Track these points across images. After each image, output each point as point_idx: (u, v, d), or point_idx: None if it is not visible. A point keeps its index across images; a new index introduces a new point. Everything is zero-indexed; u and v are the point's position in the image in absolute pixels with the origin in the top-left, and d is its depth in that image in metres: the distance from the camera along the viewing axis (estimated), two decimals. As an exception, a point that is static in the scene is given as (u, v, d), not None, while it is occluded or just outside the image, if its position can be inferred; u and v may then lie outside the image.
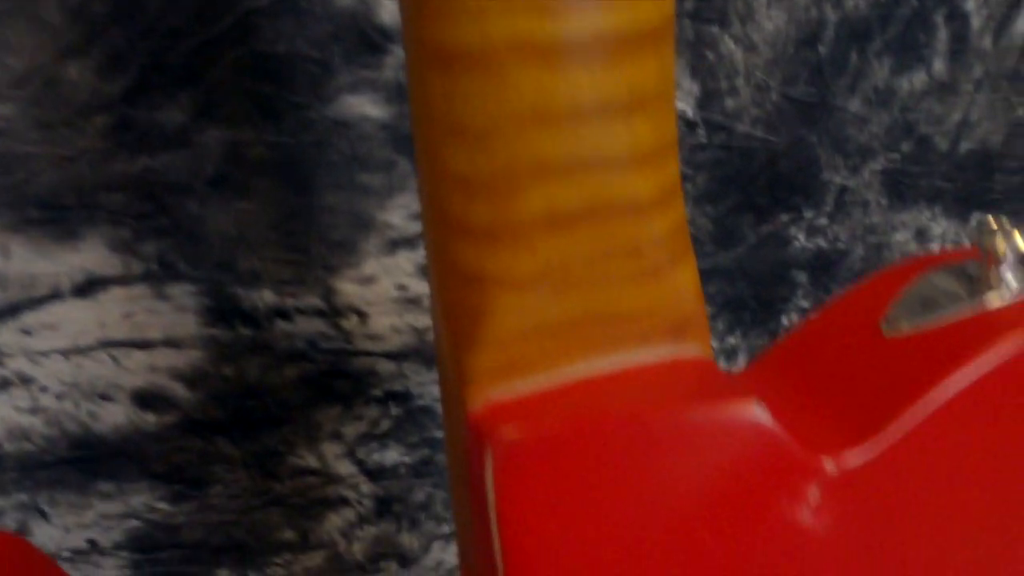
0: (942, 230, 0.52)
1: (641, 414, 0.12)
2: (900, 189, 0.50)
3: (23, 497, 0.42)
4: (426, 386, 0.46)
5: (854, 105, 0.47)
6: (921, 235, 0.52)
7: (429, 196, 0.13)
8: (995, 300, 0.14)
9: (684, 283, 0.13)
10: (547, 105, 0.12)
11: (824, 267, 0.50)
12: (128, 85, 0.33)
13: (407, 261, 0.41)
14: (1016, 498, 0.13)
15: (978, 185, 0.51)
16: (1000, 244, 0.14)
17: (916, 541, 0.14)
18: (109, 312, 0.38)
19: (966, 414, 0.13)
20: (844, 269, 0.51)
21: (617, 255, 0.12)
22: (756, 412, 0.12)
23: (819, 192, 0.48)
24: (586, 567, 0.12)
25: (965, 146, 0.50)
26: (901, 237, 0.52)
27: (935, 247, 0.53)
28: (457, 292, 0.12)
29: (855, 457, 0.13)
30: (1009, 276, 0.14)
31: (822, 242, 0.49)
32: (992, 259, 0.14)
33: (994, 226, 0.14)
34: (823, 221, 0.49)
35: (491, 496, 0.12)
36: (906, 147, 0.49)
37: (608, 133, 0.12)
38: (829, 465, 0.13)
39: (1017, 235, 0.14)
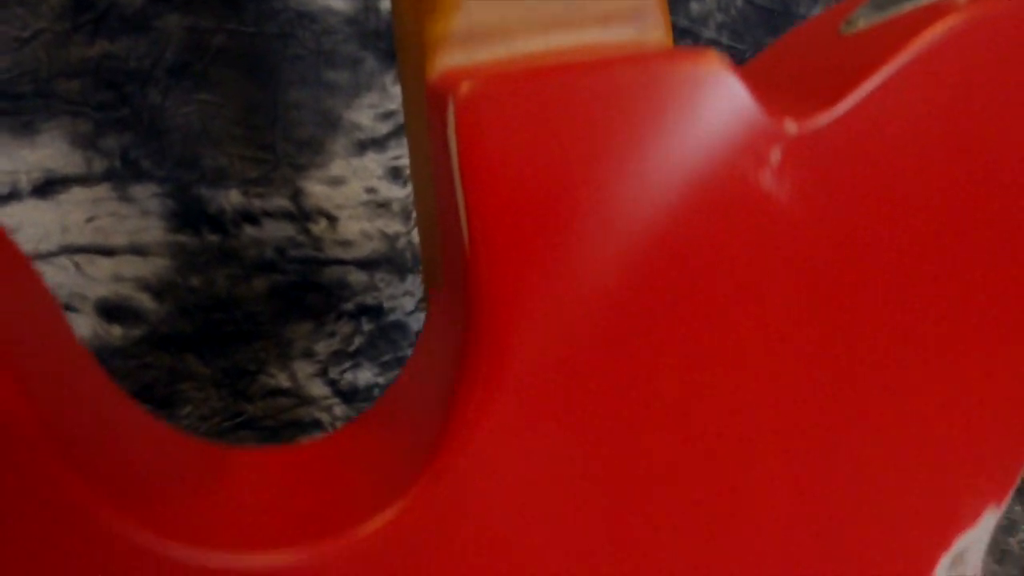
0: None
1: (606, 65, 0.12)
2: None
3: (-15, 416, 0.41)
4: (398, 299, 0.45)
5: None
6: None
7: None
8: (949, -5, 0.14)
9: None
10: None
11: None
12: (85, -36, 0.33)
13: (376, 163, 0.40)
14: (968, 180, 0.13)
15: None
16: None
17: (878, 218, 0.14)
18: (71, 215, 0.37)
19: (917, 85, 0.13)
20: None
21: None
22: (720, 65, 0.12)
23: (784, 104, 0.49)
24: (548, 211, 0.12)
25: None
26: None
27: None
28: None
29: (814, 121, 0.13)
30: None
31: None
32: (946, -39, 0.14)
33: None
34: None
35: (453, 153, 0.12)
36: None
37: None
38: (790, 126, 0.13)
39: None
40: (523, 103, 0.12)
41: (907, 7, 0.14)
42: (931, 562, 0.19)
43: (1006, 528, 0.62)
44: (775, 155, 0.13)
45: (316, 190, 0.40)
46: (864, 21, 0.14)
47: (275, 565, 0.12)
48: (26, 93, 0.34)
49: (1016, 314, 0.16)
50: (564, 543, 0.14)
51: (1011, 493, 0.19)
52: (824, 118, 0.13)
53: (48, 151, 0.35)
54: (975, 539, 0.19)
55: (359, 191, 0.41)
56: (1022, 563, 0.59)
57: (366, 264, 0.43)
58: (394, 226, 0.42)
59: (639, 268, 0.13)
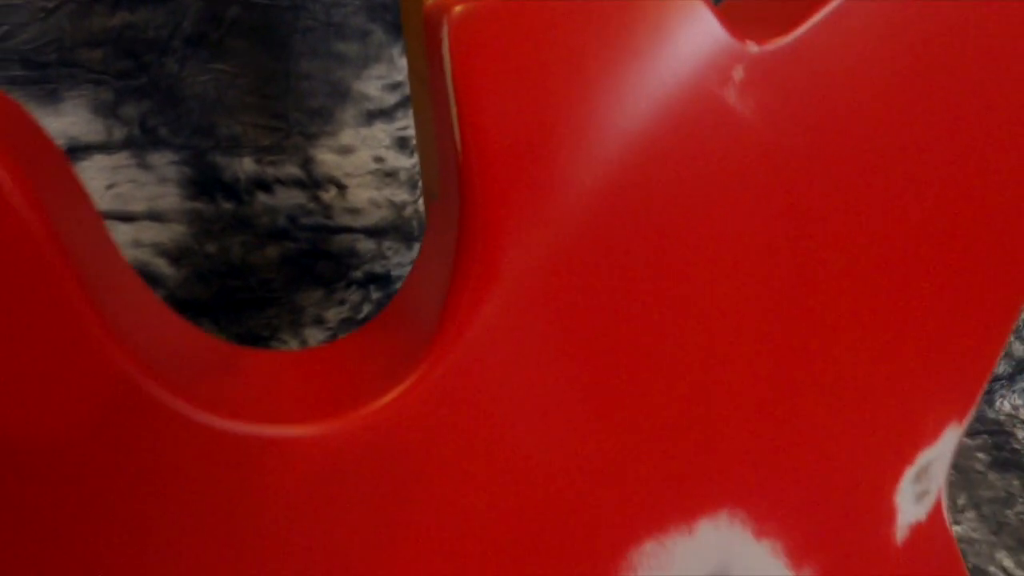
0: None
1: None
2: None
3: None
4: (405, 267, 0.47)
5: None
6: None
7: None
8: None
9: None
10: None
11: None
12: (106, -62, 0.34)
13: (384, 133, 0.42)
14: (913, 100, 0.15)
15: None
16: None
17: (833, 132, 0.15)
18: (92, 182, 0.39)
19: (863, 15, 0.14)
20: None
21: None
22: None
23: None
24: (533, 120, 0.13)
25: None
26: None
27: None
28: None
29: (774, 43, 0.14)
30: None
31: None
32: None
33: None
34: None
35: (447, 69, 0.13)
36: None
37: None
38: (752, 47, 0.14)
39: None
40: (510, 24, 0.13)
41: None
42: (896, 476, 0.20)
43: (1004, 500, 0.63)
44: (738, 73, 0.14)
45: (326, 158, 0.41)
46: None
47: (300, 435, 0.13)
48: (51, 62, 0.36)
49: (973, 233, 0.17)
50: (552, 420, 0.15)
51: (972, 412, 0.20)
52: (782, 40, 0.14)
53: (71, 119, 0.37)
54: (938, 454, 0.20)
55: (367, 160, 0.42)
56: (1019, 534, 0.59)
57: (374, 232, 0.44)
58: (401, 195, 0.44)
59: (618, 173, 0.14)
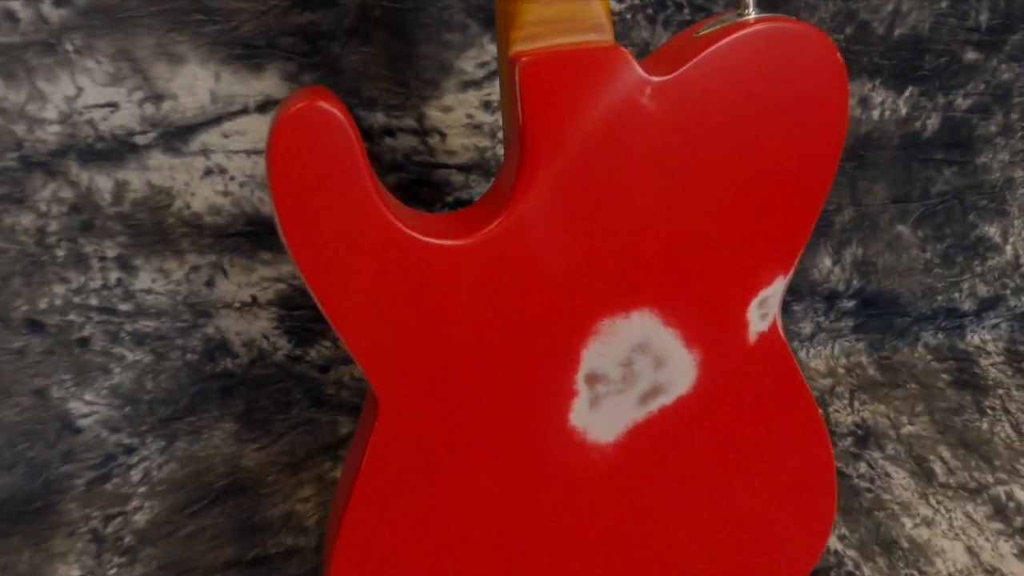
0: (881, 99, 0.67)
1: (587, 50, 0.30)
2: (847, 64, 0.65)
3: (213, 257, 0.61)
4: (484, 196, 0.64)
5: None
6: (864, 102, 0.67)
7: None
8: (746, 16, 0.31)
9: (603, 7, 0.31)
10: None
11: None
12: (300, -36, 0.52)
13: (474, 97, 0.58)
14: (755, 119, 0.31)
15: (910, 63, 0.66)
16: (749, -8, 0.32)
17: (702, 124, 0.31)
18: (277, 125, 0.57)
19: (720, 65, 0.30)
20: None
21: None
22: (627, 53, 0.30)
23: (780, 63, 0.63)
24: (559, 113, 0.30)
25: (898, 31, 0.64)
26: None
27: (876, 113, 0.68)
28: (504, 3, 0.31)
29: (667, 77, 0.30)
30: (751, 10, 0.32)
31: (782, 102, 0.65)
32: (744, 2, 0.32)
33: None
34: (783, 86, 0.64)
35: (518, 92, 0.30)
36: (849, 30, 0.63)
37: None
38: (656, 79, 0.30)
39: (757, -13, 0.31)
40: (552, 69, 0.30)
41: (726, 22, 0.32)
42: (746, 301, 0.36)
43: (955, 410, 0.75)
44: (648, 90, 0.30)
45: (434, 115, 0.58)
46: (705, 31, 0.32)
47: (456, 244, 0.31)
48: (260, 45, 0.53)
49: (780, 171, 0.33)
50: (563, 241, 0.32)
51: (793, 268, 0.36)
52: (672, 76, 0.30)
53: (268, 83, 0.55)
54: (772, 293, 0.37)
55: (462, 116, 0.59)
56: (962, 436, 0.72)
57: (464, 168, 0.61)
58: (484, 142, 0.60)
59: (593, 135, 0.31)
